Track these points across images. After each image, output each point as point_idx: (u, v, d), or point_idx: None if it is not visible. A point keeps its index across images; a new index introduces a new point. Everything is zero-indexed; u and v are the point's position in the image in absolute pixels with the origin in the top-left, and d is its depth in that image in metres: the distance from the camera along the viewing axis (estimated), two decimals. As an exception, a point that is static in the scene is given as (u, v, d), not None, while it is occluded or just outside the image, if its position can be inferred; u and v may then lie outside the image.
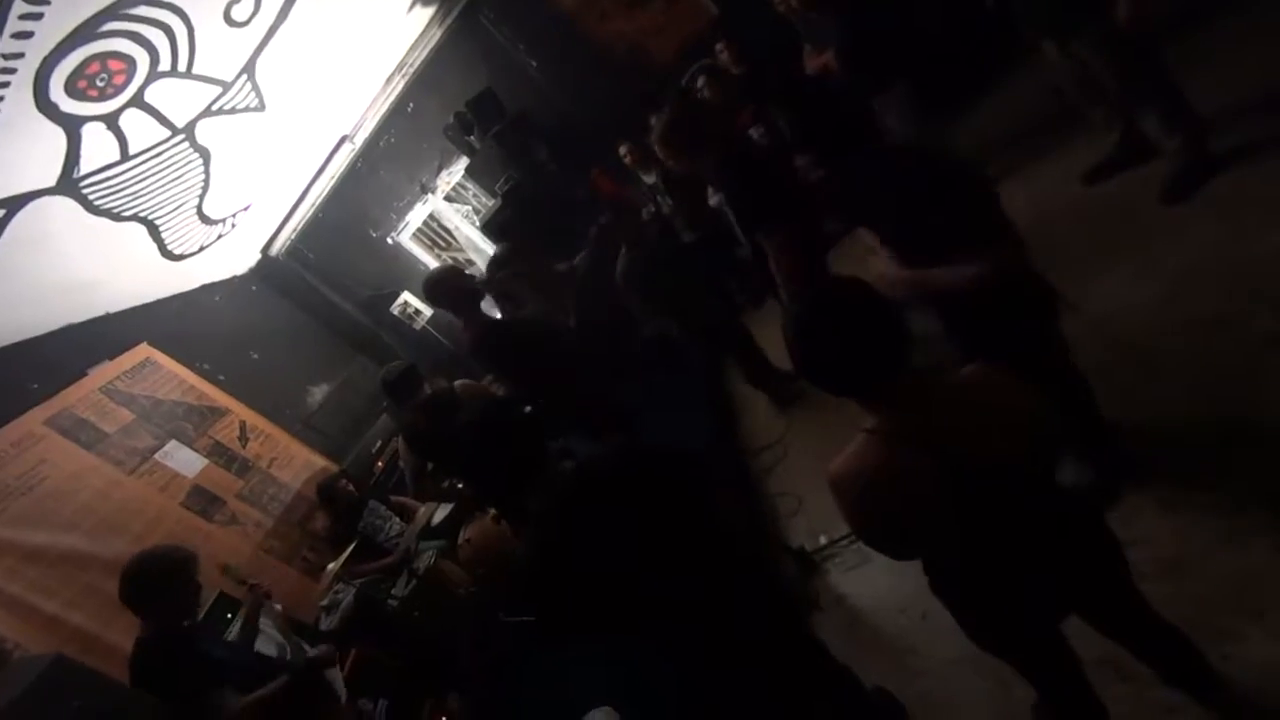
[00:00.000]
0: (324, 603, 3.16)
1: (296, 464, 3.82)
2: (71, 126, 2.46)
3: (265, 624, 2.78)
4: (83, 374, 3.19)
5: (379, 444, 4.09)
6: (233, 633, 2.66)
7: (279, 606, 2.94)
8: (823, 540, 2.61)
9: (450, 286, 2.70)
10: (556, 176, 3.94)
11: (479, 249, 4.42)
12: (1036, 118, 2.86)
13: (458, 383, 3.20)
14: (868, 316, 0.94)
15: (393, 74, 4.09)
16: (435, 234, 4.63)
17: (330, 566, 2.87)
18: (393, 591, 3.09)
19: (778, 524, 2.88)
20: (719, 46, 3.74)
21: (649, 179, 3.82)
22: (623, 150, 3.79)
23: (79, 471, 2.90)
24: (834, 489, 1.03)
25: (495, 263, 2.93)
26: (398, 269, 4.67)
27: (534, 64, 4.20)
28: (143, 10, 2.32)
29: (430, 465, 3.37)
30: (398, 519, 3.42)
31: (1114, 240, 2.38)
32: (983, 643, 1.21)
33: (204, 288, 4.09)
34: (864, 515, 1.02)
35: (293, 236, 4.50)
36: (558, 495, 1.36)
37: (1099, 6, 2.06)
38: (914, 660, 2.08)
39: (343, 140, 4.22)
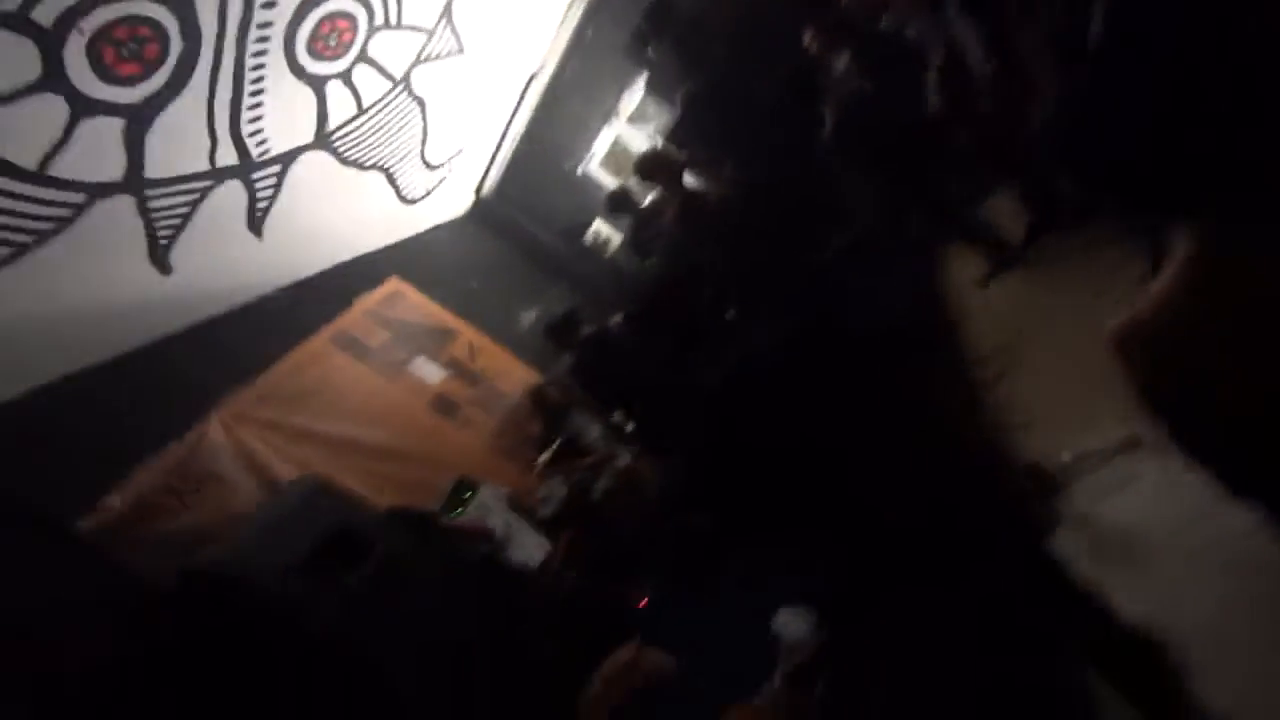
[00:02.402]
0: (541, 494, 3.59)
1: (514, 377, 4.31)
2: (318, 85, 2.92)
3: (494, 503, 3.24)
4: (351, 302, 3.92)
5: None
6: (467, 511, 3.16)
7: (505, 490, 3.41)
8: (1066, 457, 2.21)
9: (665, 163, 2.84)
10: (737, 75, 3.70)
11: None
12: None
13: (614, 321, 3.29)
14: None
15: (571, 1, 4.16)
16: (620, 158, 4.72)
17: (540, 459, 3.22)
18: (595, 486, 3.38)
19: (1005, 439, 2.51)
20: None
21: (840, 65, 3.42)
22: (808, 37, 3.42)
23: (354, 378, 3.61)
24: (1127, 345, 0.74)
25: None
26: (588, 198, 4.88)
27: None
28: (354, -34, 2.62)
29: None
30: (599, 426, 3.69)
31: None
32: None
33: (434, 229, 4.72)
34: (1190, 368, 0.74)
35: (498, 177, 4.94)
36: (730, 370, 1.30)
37: None
38: (1187, 594, 1.68)
39: (532, 77, 4.45)
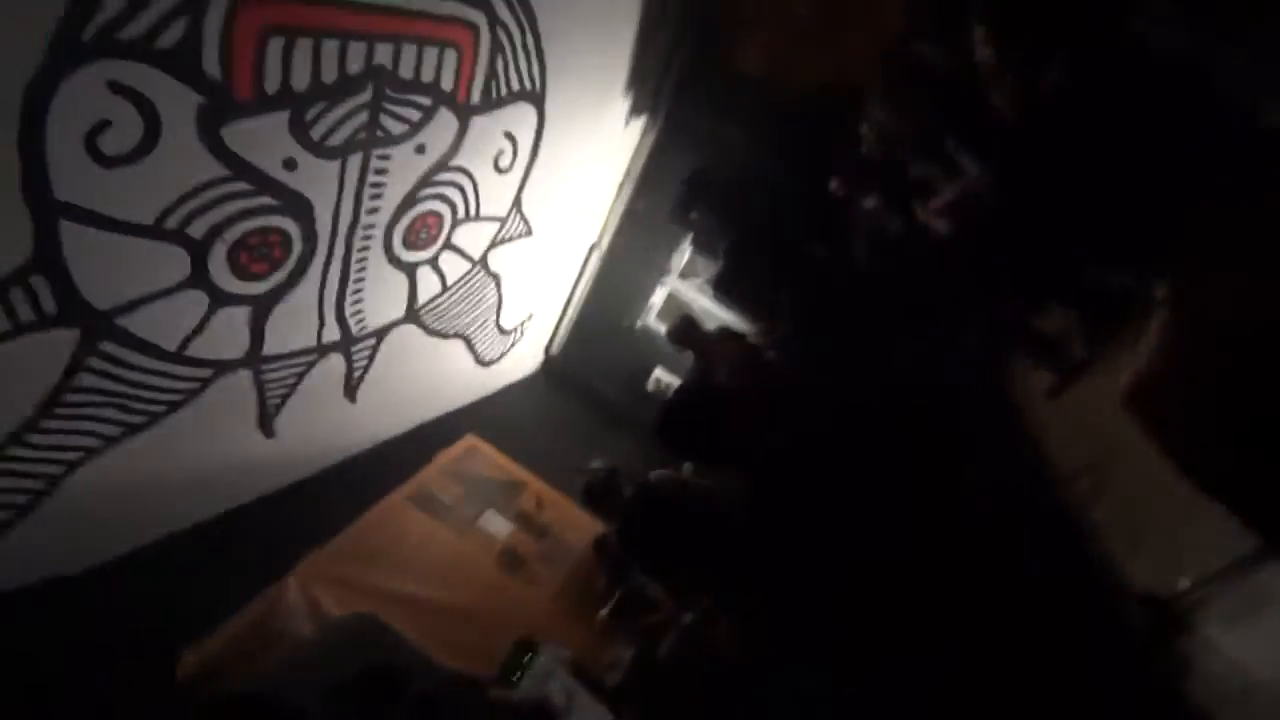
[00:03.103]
0: (609, 660, 3.38)
1: (581, 528, 4.28)
2: (409, 271, 3.41)
3: (556, 668, 3.07)
4: (430, 460, 4.15)
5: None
6: (527, 675, 3.00)
7: (568, 653, 3.24)
8: (1184, 584, 1.94)
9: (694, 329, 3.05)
10: (770, 229, 4.03)
11: (711, 314, 4.70)
12: None
13: (653, 474, 3.28)
14: None
15: (622, 181, 4.77)
16: (675, 310, 5.04)
17: (602, 613, 3.09)
18: (662, 649, 3.16)
19: (1111, 567, 2.24)
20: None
21: (869, 204, 3.67)
22: (834, 184, 3.74)
23: (427, 534, 3.70)
24: (1138, 403, 0.75)
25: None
26: (648, 349, 5.16)
27: (740, 135, 4.48)
28: (443, 176, 3.17)
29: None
30: (665, 574, 3.55)
31: None
32: None
33: (507, 387, 5.06)
34: (1197, 408, 0.72)
35: (565, 337, 5.35)
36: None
37: None
38: None
39: (591, 249, 4.99)
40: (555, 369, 5.43)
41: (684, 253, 4.84)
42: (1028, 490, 2.47)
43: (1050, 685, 1.33)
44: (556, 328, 5.30)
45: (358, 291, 3.13)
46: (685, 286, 5.01)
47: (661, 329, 5.15)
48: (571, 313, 5.25)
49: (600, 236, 4.99)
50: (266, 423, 3.16)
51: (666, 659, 3.06)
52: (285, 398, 3.18)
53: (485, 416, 4.70)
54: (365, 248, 3.01)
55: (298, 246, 2.66)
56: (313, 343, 3.11)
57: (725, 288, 4.06)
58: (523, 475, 4.53)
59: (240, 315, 2.60)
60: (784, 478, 1.36)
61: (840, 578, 1.25)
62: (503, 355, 4.83)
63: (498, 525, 4.07)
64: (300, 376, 3.17)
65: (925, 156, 2.54)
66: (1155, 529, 2.14)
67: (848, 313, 3.33)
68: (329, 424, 3.57)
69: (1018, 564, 1.41)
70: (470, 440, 4.55)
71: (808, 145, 3.91)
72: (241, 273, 2.46)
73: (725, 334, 3.50)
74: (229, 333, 2.56)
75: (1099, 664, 1.56)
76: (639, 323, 5.20)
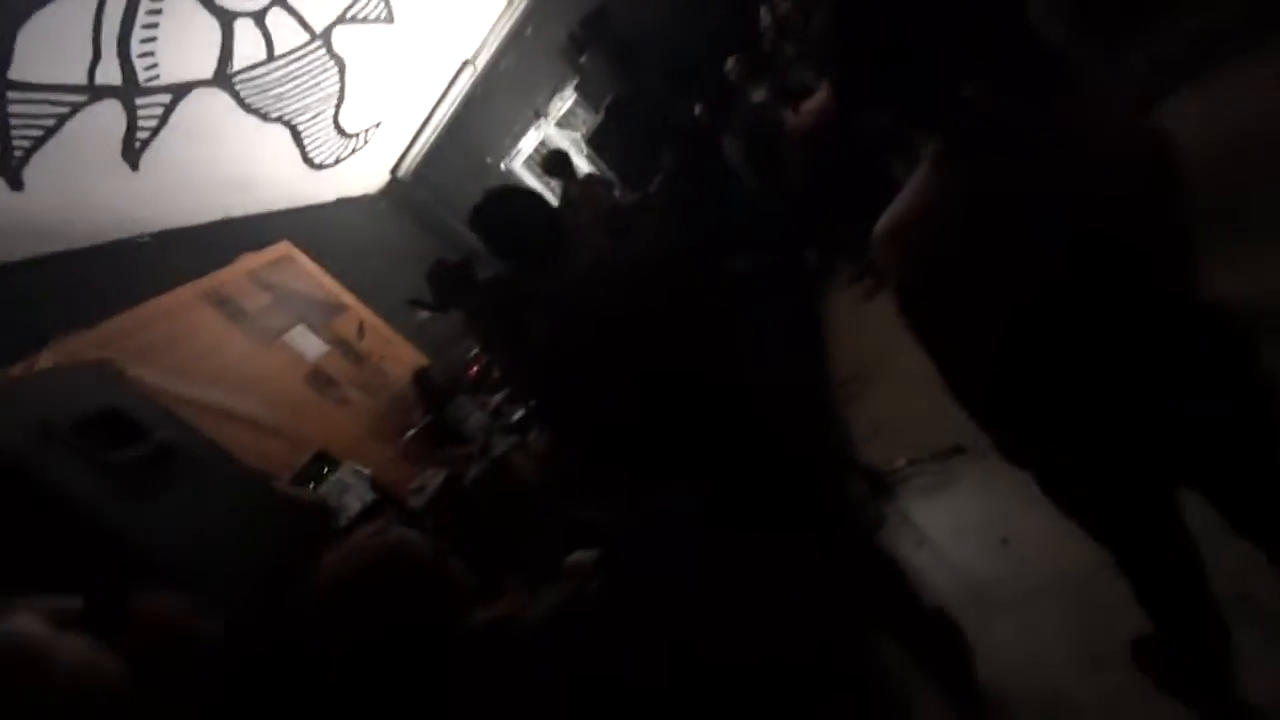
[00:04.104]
0: (415, 484, 3.45)
1: (404, 362, 4.16)
2: (225, 20, 2.78)
3: (355, 482, 3.08)
4: (232, 260, 3.66)
5: (475, 351, 4.33)
6: (322, 487, 2.98)
7: (369, 471, 3.25)
8: (900, 463, 2.43)
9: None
10: (660, 95, 3.88)
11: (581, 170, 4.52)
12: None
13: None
14: None
15: (513, -4, 4.22)
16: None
17: (407, 434, 3.13)
18: (468, 476, 3.30)
19: (852, 449, 2.73)
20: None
21: (757, 96, 3.65)
22: (729, 64, 3.65)
23: (222, 339, 3.35)
24: (885, 245, 0.85)
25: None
26: (508, 194, 4.88)
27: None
28: (282, -94, 2.54)
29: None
30: (481, 414, 3.62)
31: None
32: (1063, 496, 0.99)
33: (340, 201, 4.53)
34: (927, 272, 0.82)
35: (418, 160, 4.84)
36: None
37: None
38: (988, 588, 1.89)
39: (465, 64, 4.43)
40: (400, 193, 4.94)
41: (566, 99, 4.50)
42: (806, 386, 2.85)
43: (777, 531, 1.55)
44: (409, 148, 4.75)
45: (150, 27, 2.51)
46: (560, 136, 4.71)
47: (528, 176, 4.88)
48: (429, 134, 4.72)
49: (477, 54, 4.42)
50: (10, 168, 2.54)
51: (472, 484, 3.20)
52: (39, 141, 2.55)
53: (310, 228, 4.20)
54: (165, -30, 2.38)
55: (63, -61, 2.03)
56: (81, 79, 2.48)
57: (601, 146, 3.89)
58: (346, 297, 4.20)
59: (-27, 14, 1.98)
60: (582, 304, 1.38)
61: (607, 409, 1.36)
62: (338, 161, 4.26)
63: (309, 344, 3.80)
64: (61, 119, 2.55)
65: (810, 60, 2.55)
66: (896, 422, 2.64)
67: (708, 206, 3.40)
68: (101, 189, 2.96)
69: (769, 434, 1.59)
70: (286, 247, 4.07)
71: (717, 13, 3.72)
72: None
73: (595, 179, 3.40)
74: (-49, 31, 1.94)
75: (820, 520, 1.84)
76: (504, 163, 4.85)
